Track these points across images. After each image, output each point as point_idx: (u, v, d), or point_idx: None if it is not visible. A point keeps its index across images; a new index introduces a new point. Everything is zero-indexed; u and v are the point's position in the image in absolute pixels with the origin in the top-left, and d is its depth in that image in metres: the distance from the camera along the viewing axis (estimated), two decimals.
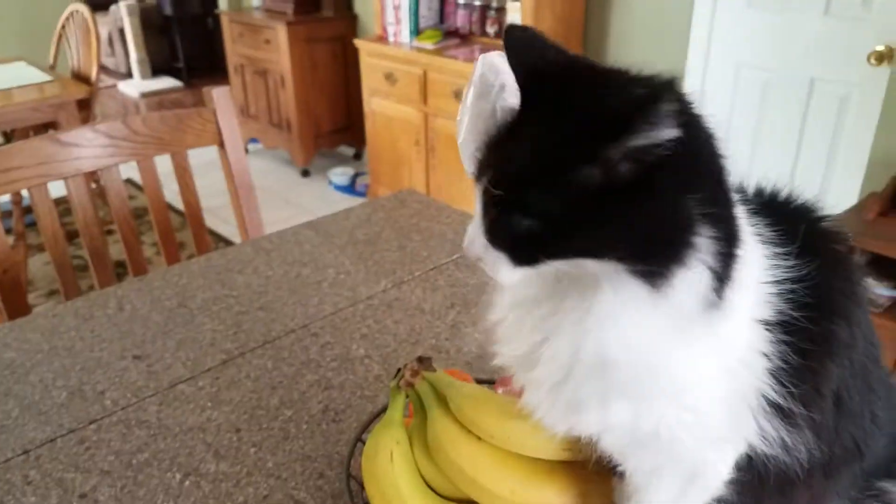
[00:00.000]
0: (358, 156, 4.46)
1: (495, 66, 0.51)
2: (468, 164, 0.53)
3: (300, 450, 0.83)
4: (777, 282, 0.52)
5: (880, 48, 2.24)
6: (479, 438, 0.62)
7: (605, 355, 0.48)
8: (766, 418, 0.53)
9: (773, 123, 2.62)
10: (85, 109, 3.19)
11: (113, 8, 6.26)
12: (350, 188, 4.10)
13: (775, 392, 0.52)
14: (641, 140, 0.41)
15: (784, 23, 2.49)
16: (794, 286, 0.52)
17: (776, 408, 0.53)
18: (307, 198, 4.03)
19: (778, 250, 0.53)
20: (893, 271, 2.01)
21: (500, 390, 0.78)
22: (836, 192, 2.48)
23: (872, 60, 2.26)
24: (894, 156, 2.21)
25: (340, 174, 4.15)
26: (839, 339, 0.54)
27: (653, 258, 0.44)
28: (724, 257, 0.46)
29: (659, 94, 0.41)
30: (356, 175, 4.14)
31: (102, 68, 6.35)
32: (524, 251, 0.47)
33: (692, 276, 0.45)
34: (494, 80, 0.51)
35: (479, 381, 0.84)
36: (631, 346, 0.47)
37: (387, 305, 1.11)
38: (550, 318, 0.50)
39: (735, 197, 0.51)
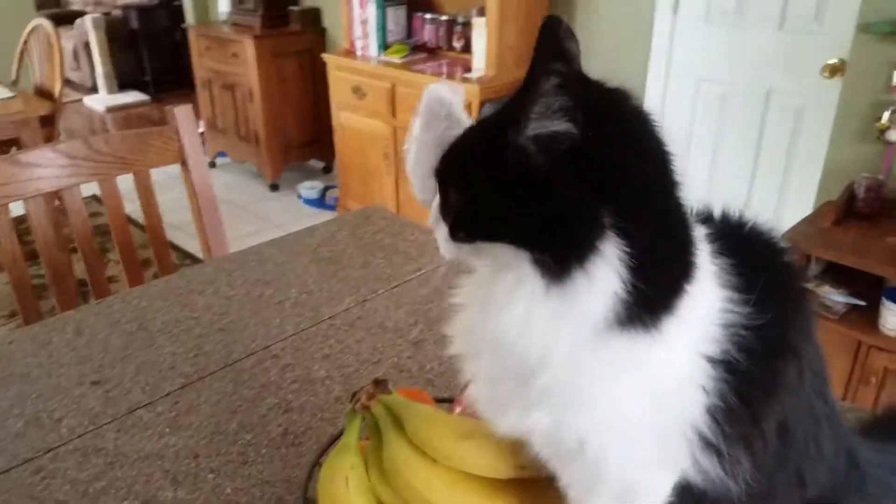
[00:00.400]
0: (328, 169, 4.46)
1: (440, 97, 0.53)
2: (417, 191, 0.54)
3: (259, 474, 0.83)
4: (730, 324, 0.52)
5: (833, 61, 2.31)
6: (435, 460, 0.63)
7: (498, 339, 0.50)
8: (702, 453, 0.53)
9: (732, 135, 2.68)
10: (49, 125, 3.15)
11: (78, 21, 6.19)
12: (320, 202, 4.09)
13: (710, 431, 0.51)
14: (537, 128, 0.44)
15: (741, 37, 2.55)
16: (746, 328, 0.51)
17: (711, 445, 0.52)
18: (276, 212, 4.01)
19: (735, 296, 0.52)
20: (848, 279, 2.07)
21: (457, 409, 0.79)
22: (793, 201, 2.55)
23: (825, 73, 2.32)
24: (848, 165, 2.28)
25: (310, 188, 4.14)
26: (787, 378, 0.54)
27: (553, 252, 0.45)
28: (655, 281, 0.47)
29: (563, 87, 0.43)
30: (326, 189, 4.14)
31: (68, 82, 6.28)
32: (456, 227, 0.51)
33: (598, 284, 0.45)
34: (440, 110, 0.52)
35: (440, 400, 0.85)
36: (530, 341, 0.48)
37: (349, 324, 1.11)
38: (475, 305, 0.53)
39: (694, 230, 0.51)
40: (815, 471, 0.62)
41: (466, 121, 0.54)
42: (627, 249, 0.44)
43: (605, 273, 0.45)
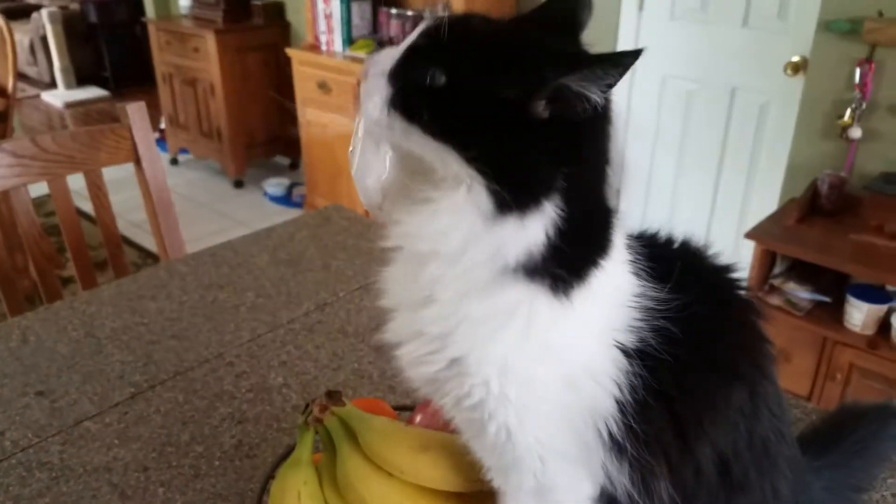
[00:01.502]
0: (294, 166, 4.39)
1: None
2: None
3: (211, 488, 0.79)
4: (644, 311, 0.51)
5: (796, 59, 2.33)
6: (390, 474, 0.60)
7: (418, 247, 0.50)
8: (610, 456, 0.52)
9: (698, 132, 2.69)
10: (2, 122, 3.05)
11: (35, 15, 6.02)
12: (286, 199, 4.03)
13: (619, 430, 0.50)
14: (575, 80, 0.45)
15: (706, 35, 2.56)
16: (671, 324, 0.51)
17: (620, 448, 0.51)
18: (241, 210, 3.94)
19: (649, 283, 0.53)
20: (813, 276, 2.09)
21: (418, 417, 0.77)
22: (757, 198, 2.57)
23: (788, 71, 2.34)
24: (811, 162, 2.30)
25: (276, 185, 4.07)
26: (730, 403, 0.53)
27: (507, 187, 0.46)
28: (573, 247, 0.48)
29: (620, 60, 0.45)
30: (292, 185, 4.08)
31: (25, 77, 6.11)
32: (411, 98, 0.48)
33: (526, 230, 0.46)
34: None
35: (399, 408, 0.83)
36: (443, 247, 0.48)
37: (308, 329, 1.08)
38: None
39: (615, 221, 0.52)
40: None
41: None
42: (561, 211, 0.47)
43: (537, 223, 0.47)
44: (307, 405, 0.65)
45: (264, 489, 0.72)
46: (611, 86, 0.46)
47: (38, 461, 0.83)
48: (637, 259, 0.53)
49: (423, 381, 0.55)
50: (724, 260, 0.59)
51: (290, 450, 0.77)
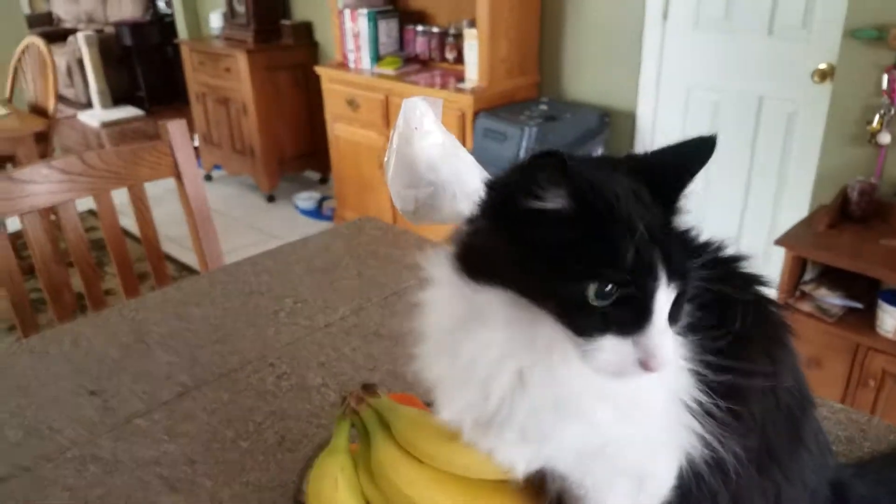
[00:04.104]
0: (324, 180, 4.47)
1: (418, 110, 0.54)
2: (398, 202, 0.55)
3: (255, 481, 0.83)
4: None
5: (822, 66, 2.33)
6: (421, 462, 0.63)
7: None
8: (698, 419, 0.55)
9: (726, 142, 2.70)
10: (43, 142, 3.17)
11: (71, 39, 6.23)
12: (317, 212, 4.10)
13: (700, 393, 0.54)
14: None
15: (731, 44, 2.58)
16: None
17: (705, 410, 0.55)
18: (273, 223, 4.02)
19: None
20: (844, 282, 2.08)
21: None
22: (787, 205, 2.56)
23: (815, 78, 2.35)
24: (840, 169, 2.30)
25: (306, 199, 4.15)
26: (758, 372, 0.56)
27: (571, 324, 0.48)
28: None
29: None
30: (322, 199, 4.15)
31: (62, 99, 6.30)
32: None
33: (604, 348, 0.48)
34: (418, 123, 0.53)
35: (430, 403, 0.86)
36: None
37: (345, 332, 1.12)
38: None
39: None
40: (793, 491, 0.63)
41: (442, 132, 0.55)
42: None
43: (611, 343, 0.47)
44: (345, 397, 0.68)
45: (303, 478, 0.76)
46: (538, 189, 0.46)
47: (91, 455, 0.88)
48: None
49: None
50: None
51: (327, 442, 0.81)
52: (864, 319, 2.00)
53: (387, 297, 1.22)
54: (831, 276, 2.12)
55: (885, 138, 2.13)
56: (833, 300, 2.08)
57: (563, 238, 0.47)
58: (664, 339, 0.47)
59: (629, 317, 0.47)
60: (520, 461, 0.58)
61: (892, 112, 2.12)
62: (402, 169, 0.53)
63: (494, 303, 0.50)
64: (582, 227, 0.46)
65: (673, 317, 0.49)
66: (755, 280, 0.62)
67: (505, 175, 0.52)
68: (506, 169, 0.53)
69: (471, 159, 0.59)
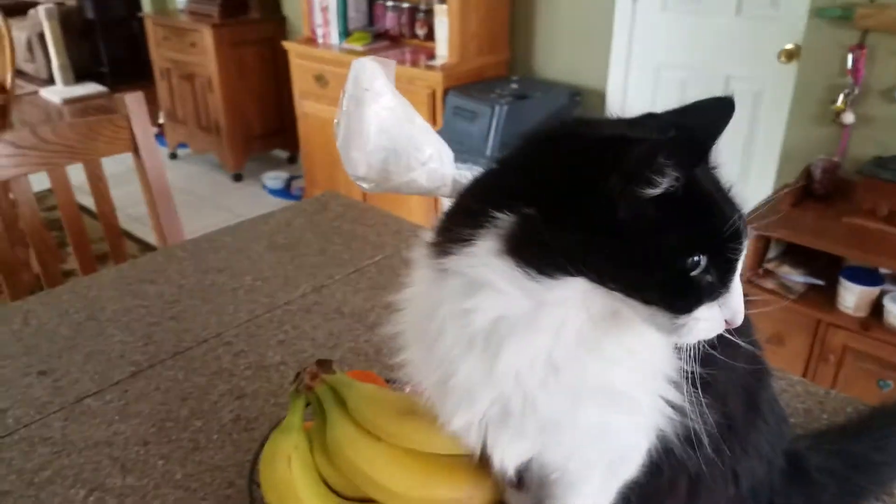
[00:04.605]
0: (293, 159, 4.41)
1: (368, 71, 0.52)
2: (348, 167, 0.53)
3: (210, 460, 0.82)
4: None
5: (789, 46, 2.34)
6: (378, 438, 0.62)
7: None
8: (672, 390, 0.55)
9: None
10: (1, 117, 3.07)
11: (31, 12, 6.03)
12: (285, 192, 4.05)
13: (672, 368, 0.54)
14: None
15: (699, 23, 2.58)
16: None
17: (675, 382, 0.54)
18: (240, 203, 3.96)
19: None
20: (807, 259, 2.11)
21: (408, 387, 0.79)
22: (753, 184, 2.58)
23: (782, 58, 2.36)
24: (805, 148, 2.32)
25: (274, 178, 4.10)
26: (712, 345, 0.55)
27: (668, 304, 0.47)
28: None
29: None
30: (291, 178, 4.10)
31: (22, 74, 6.11)
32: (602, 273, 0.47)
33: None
34: (368, 85, 0.51)
35: (391, 381, 0.85)
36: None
37: (305, 310, 1.10)
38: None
39: None
40: (750, 462, 0.64)
41: (395, 95, 0.53)
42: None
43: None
44: (298, 373, 0.67)
45: (256, 459, 0.74)
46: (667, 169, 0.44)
47: (40, 437, 0.86)
48: None
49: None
50: None
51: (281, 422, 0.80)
52: (826, 296, 2.03)
53: (350, 274, 1.20)
54: (794, 254, 2.15)
55: (848, 118, 2.15)
56: (795, 278, 2.11)
57: (668, 218, 0.45)
58: (741, 292, 0.48)
59: (717, 281, 0.47)
60: (520, 455, 0.57)
61: (856, 92, 2.14)
62: (353, 132, 0.51)
63: (569, 297, 0.48)
64: (690, 202, 0.45)
65: None
66: None
67: (568, 158, 0.48)
68: (553, 151, 0.50)
69: (426, 125, 0.57)
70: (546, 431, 0.54)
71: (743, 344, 0.56)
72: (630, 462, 0.58)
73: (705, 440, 0.56)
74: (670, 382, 0.54)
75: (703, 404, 0.54)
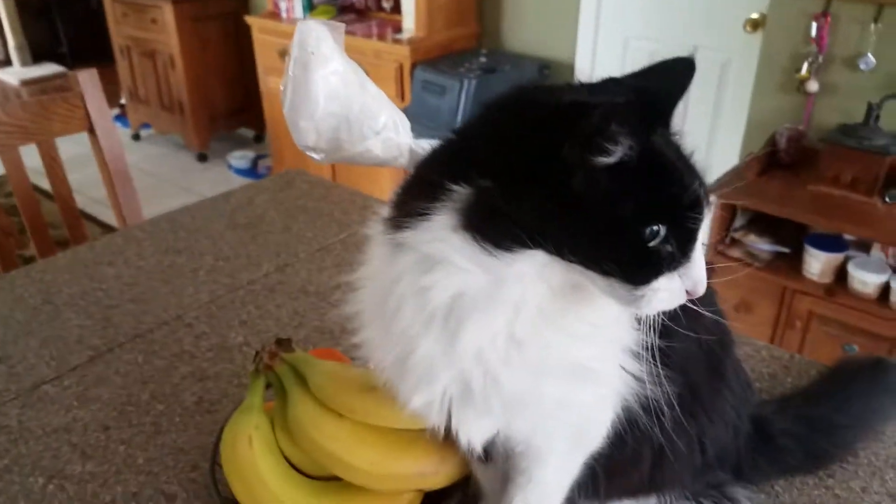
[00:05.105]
0: (259, 138, 4.34)
1: (314, 34, 0.50)
2: (296, 137, 0.51)
3: (172, 443, 0.80)
4: None
5: (755, 16, 2.35)
6: (340, 415, 0.61)
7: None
8: (632, 361, 0.54)
9: None
10: None
11: None
12: (252, 171, 3.98)
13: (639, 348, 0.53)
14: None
15: None
16: None
17: (636, 353, 0.54)
18: (205, 184, 3.89)
19: None
20: (772, 227, 2.13)
21: (371, 363, 0.78)
22: (719, 154, 2.60)
23: (748, 27, 2.36)
24: (770, 117, 2.33)
25: (240, 157, 4.02)
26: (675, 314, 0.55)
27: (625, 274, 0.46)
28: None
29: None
30: (257, 158, 4.03)
31: None
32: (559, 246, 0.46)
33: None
34: (314, 48, 0.49)
35: (356, 359, 0.84)
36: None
37: (269, 290, 1.08)
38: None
39: None
40: (716, 430, 0.64)
41: (344, 60, 0.51)
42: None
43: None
44: (257, 353, 0.65)
45: (219, 440, 0.73)
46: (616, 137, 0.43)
47: None
48: None
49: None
50: None
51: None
52: (792, 263, 2.06)
53: (315, 252, 1.18)
54: (760, 223, 2.16)
55: (813, 86, 2.17)
56: (761, 246, 2.13)
57: (625, 187, 0.44)
58: (702, 262, 0.48)
59: (677, 251, 0.46)
60: (485, 432, 0.57)
61: (820, 60, 2.14)
62: (300, 99, 0.49)
63: (528, 272, 0.47)
64: (647, 170, 0.44)
65: None
66: None
67: (524, 128, 0.46)
68: (510, 120, 0.48)
69: (379, 92, 0.55)
70: (510, 407, 0.53)
71: (706, 312, 0.55)
72: (594, 434, 0.58)
73: (666, 411, 0.55)
74: (632, 354, 0.54)
75: (664, 375, 0.54)
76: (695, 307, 0.53)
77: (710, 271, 0.57)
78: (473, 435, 0.56)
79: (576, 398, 0.54)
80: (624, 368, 0.54)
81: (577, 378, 0.53)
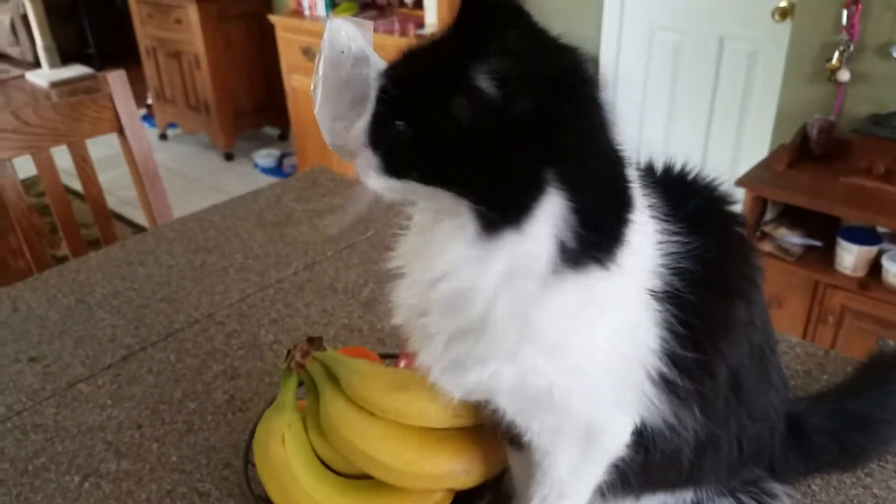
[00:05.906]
0: (284, 136, 4.36)
1: (344, 33, 0.50)
2: (327, 137, 0.51)
3: (205, 441, 0.81)
4: (668, 254, 0.52)
5: (783, 4, 2.30)
6: (372, 413, 0.61)
7: (442, 287, 0.48)
8: (656, 389, 0.54)
9: (687, 83, 2.67)
10: None
11: None
12: (277, 170, 4.01)
13: (662, 363, 0.52)
14: (493, 68, 0.43)
15: None
16: (686, 262, 0.52)
17: (664, 380, 0.53)
18: (232, 182, 3.92)
19: (669, 225, 0.53)
20: (804, 220, 2.09)
21: (402, 363, 0.78)
22: (748, 145, 2.56)
23: (776, 16, 2.32)
24: (801, 107, 2.29)
25: (266, 156, 4.05)
26: (736, 318, 0.55)
27: (492, 205, 0.45)
28: (602, 222, 0.47)
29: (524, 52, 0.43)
30: (283, 156, 4.06)
31: (7, 58, 6.03)
32: (394, 159, 0.47)
33: (534, 236, 0.45)
34: (344, 48, 0.49)
35: (384, 356, 0.84)
36: (472, 287, 0.47)
37: (298, 288, 1.09)
38: (415, 266, 0.51)
39: (630, 165, 0.52)
40: (756, 429, 0.63)
41: (375, 59, 0.50)
42: (571, 200, 0.45)
43: (542, 226, 0.45)
44: (289, 351, 0.66)
45: (251, 439, 0.73)
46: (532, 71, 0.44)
47: (32, 423, 0.85)
48: (654, 200, 0.54)
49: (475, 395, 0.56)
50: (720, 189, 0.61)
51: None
52: (824, 257, 2.02)
53: (342, 250, 1.19)
54: (791, 216, 2.13)
55: (844, 75, 2.12)
56: (793, 239, 2.09)
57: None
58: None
59: None
60: (455, 388, 0.56)
61: (851, 49, 2.10)
62: (331, 98, 0.49)
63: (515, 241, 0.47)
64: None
65: None
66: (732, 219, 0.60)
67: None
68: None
69: None
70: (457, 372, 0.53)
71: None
72: (609, 442, 0.57)
73: (699, 417, 0.55)
74: (649, 378, 0.53)
75: (686, 407, 0.54)
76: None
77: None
78: (451, 385, 0.56)
79: (559, 389, 0.53)
80: (639, 388, 0.54)
81: (565, 369, 0.52)
